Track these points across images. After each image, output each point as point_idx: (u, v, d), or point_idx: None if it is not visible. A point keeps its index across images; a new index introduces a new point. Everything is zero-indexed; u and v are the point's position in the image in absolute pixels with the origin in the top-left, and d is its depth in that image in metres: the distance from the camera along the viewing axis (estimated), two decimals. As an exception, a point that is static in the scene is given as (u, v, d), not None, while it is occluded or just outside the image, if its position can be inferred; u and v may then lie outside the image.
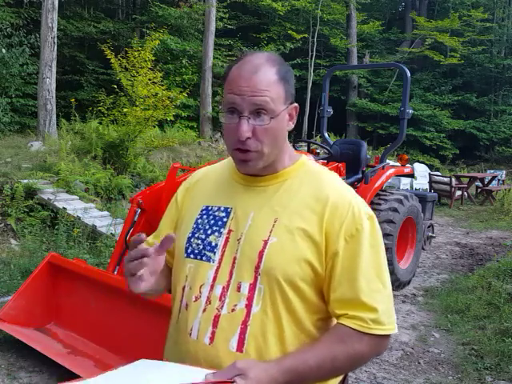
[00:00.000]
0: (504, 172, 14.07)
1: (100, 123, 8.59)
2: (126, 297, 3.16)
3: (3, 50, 10.12)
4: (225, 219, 1.20)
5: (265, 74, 1.11)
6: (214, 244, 1.18)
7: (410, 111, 5.40)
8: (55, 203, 6.10)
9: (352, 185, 5.33)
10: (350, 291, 1.11)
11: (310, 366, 1.06)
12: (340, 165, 4.76)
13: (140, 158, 8.59)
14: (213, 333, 1.11)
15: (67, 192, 6.60)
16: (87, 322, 3.44)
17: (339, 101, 18.26)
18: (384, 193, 5.31)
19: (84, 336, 3.43)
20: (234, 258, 1.15)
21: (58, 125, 9.18)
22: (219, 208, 1.22)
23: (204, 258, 1.18)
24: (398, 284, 5.27)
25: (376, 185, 5.15)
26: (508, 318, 4.31)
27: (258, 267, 1.11)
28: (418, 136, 17.64)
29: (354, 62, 18.75)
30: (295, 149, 5.93)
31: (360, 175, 5.38)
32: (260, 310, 1.10)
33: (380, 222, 4.93)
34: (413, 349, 3.97)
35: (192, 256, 1.20)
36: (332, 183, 1.20)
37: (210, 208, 1.24)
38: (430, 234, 6.23)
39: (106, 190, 7.28)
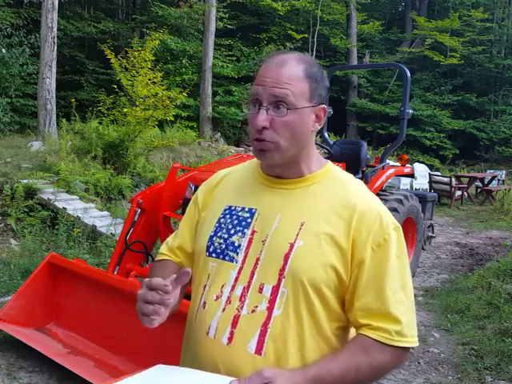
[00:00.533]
0: (504, 172, 14.07)
1: (100, 123, 8.59)
2: (126, 297, 3.16)
3: (3, 50, 10.12)
4: (249, 220, 1.19)
5: (290, 69, 1.12)
6: (237, 244, 1.17)
7: (410, 111, 5.39)
8: (55, 203, 6.10)
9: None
10: (376, 301, 1.10)
11: (334, 375, 1.05)
12: (340, 165, 4.75)
13: (140, 157, 8.59)
14: (231, 333, 1.10)
15: (67, 192, 6.60)
16: (87, 322, 3.44)
17: (339, 101, 18.26)
18: (384, 193, 5.31)
19: (84, 336, 3.43)
20: (257, 259, 1.14)
21: (58, 125, 9.18)
22: (243, 208, 1.21)
23: (227, 258, 1.17)
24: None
25: (376, 185, 5.15)
26: (508, 317, 4.31)
27: (282, 270, 1.10)
28: (417, 136, 17.64)
29: (354, 61, 18.76)
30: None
31: (360, 175, 5.37)
32: (282, 314, 1.09)
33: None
34: (413, 349, 3.97)
35: (214, 255, 1.19)
36: (359, 191, 1.19)
37: (233, 208, 1.23)
38: (430, 233, 6.23)
39: (105, 190, 7.28)
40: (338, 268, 1.10)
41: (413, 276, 5.63)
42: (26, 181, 6.32)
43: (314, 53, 16.74)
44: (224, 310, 1.13)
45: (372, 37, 20.64)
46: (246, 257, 1.15)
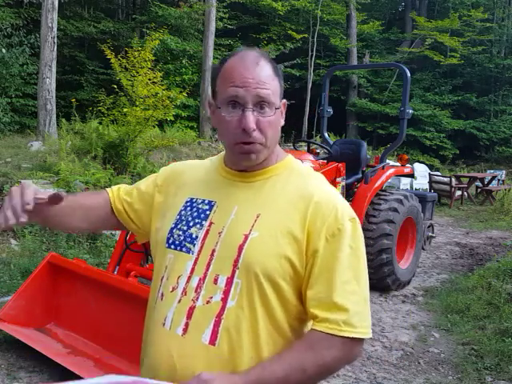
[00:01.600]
0: (504, 172, 14.06)
1: (100, 123, 8.59)
2: (126, 297, 3.16)
3: (3, 50, 10.12)
4: (207, 212, 1.20)
5: (264, 68, 1.12)
6: (194, 236, 1.18)
7: (410, 111, 5.40)
8: (55, 203, 6.09)
9: (352, 185, 5.34)
10: (326, 290, 1.10)
11: (277, 377, 1.04)
12: (340, 165, 4.76)
13: (140, 157, 8.59)
14: (186, 324, 1.11)
15: (67, 192, 6.60)
16: (87, 322, 3.44)
17: (339, 101, 18.26)
18: (384, 193, 5.31)
19: (84, 336, 3.43)
20: (213, 251, 1.14)
21: (58, 125, 9.19)
22: (203, 201, 1.23)
23: (184, 250, 1.18)
24: (397, 284, 5.28)
25: (376, 185, 5.15)
26: (508, 318, 4.31)
27: (236, 261, 1.11)
28: (418, 136, 17.64)
29: (354, 61, 18.76)
30: (295, 149, 5.95)
31: (360, 175, 5.38)
32: (235, 305, 1.10)
33: (380, 222, 4.97)
34: (413, 349, 3.97)
35: (173, 247, 1.20)
36: (317, 183, 1.22)
37: (194, 200, 1.24)
38: (430, 233, 6.23)
39: (105, 190, 7.27)
40: (293, 259, 1.10)
41: (413, 276, 5.63)
42: (26, 181, 6.32)
43: (314, 53, 16.75)
44: (180, 301, 1.13)
45: (372, 37, 20.64)
46: (201, 248, 1.16)
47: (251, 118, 1.10)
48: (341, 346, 1.09)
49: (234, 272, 1.11)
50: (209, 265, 1.14)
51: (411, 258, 5.56)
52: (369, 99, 18.83)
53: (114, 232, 5.77)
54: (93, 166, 7.46)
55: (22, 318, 3.51)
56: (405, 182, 11.26)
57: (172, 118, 11.32)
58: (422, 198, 5.92)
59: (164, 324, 1.14)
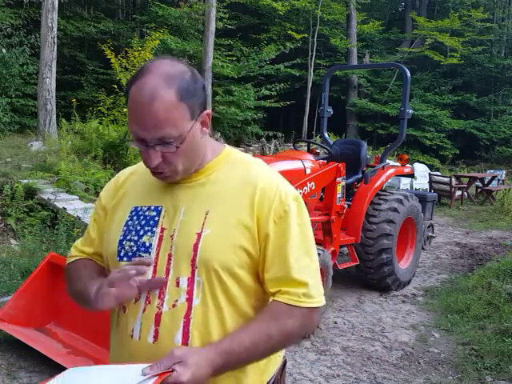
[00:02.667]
0: (504, 172, 14.06)
1: (100, 123, 8.59)
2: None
3: (3, 50, 10.13)
4: (156, 218, 1.19)
5: (163, 101, 1.06)
6: (148, 244, 1.17)
7: (410, 111, 5.39)
8: (55, 203, 6.10)
9: (352, 185, 5.34)
10: (282, 270, 1.15)
11: (246, 346, 1.08)
12: (340, 165, 4.76)
13: (140, 157, 8.58)
14: (156, 331, 1.12)
15: (67, 192, 6.59)
16: (87, 322, 3.43)
17: (339, 101, 18.26)
18: (384, 193, 5.31)
19: (84, 336, 3.43)
20: (169, 255, 1.15)
21: (58, 125, 9.18)
22: (149, 208, 1.22)
23: None
24: (398, 284, 5.28)
25: (376, 185, 5.15)
26: (508, 317, 4.31)
27: (194, 260, 1.12)
28: (418, 136, 17.64)
29: (354, 61, 18.76)
30: (295, 148, 5.94)
31: (360, 175, 5.38)
32: (200, 302, 1.12)
33: (380, 222, 4.97)
34: (413, 349, 3.97)
35: (126, 259, 1.19)
36: (259, 169, 1.23)
37: (139, 208, 1.23)
38: (430, 233, 6.23)
39: (106, 190, 7.27)
40: (248, 247, 1.14)
41: (413, 276, 5.63)
42: (25, 181, 6.32)
43: (314, 53, 16.75)
44: (144, 310, 1.14)
45: (372, 37, 20.65)
46: (158, 255, 1.16)
47: (153, 155, 1.11)
48: (301, 316, 1.15)
49: (193, 271, 1.12)
50: (168, 270, 1.14)
51: (411, 258, 5.56)
52: (369, 99, 18.83)
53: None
54: (93, 166, 7.46)
55: (22, 318, 3.51)
56: (405, 182, 11.26)
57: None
58: (422, 198, 5.92)
59: (132, 336, 1.15)
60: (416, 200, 5.52)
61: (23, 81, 11.61)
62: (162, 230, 1.18)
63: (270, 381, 1.25)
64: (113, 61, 8.20)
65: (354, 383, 3.39)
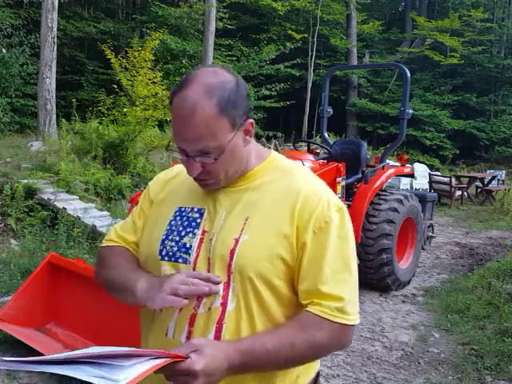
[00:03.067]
0: (504, 172, 14.06)
1: (100, 123, 8.59)
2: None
3: (3, 50, 10.12)
4: (198, 220, 1.20)
5: (203, 112, 1.07)
6: (188, 245, 1.18)
7: (410, 111, 5.39)
8: (55, 203, 6.10)
9: (352, 185, 5.34)
10: (316, 282, 1.12)
11: (268, 349, 1.05)
12: (340, 165, 4.76)
13: (140, 157, 8.59)
14: (189, 332, 1.13)
15: (67, 192, 6.59)
16: (87, 322, 3.44)
17: (339, 101, 18.26)
18: (384, 193, 5.31)
19: (84, 336, 3.43)
20: (209, 259, 1.15)
21: (58, 125, 9.18)
22: (192, 209, 1.23)
23: (180, 260, 1.18)
24: (398, 284, 5.28)
25: (376, 185, 5.15)
26: (508, 318, 4.31)
27: (230, 266, 1.12)
28: (418, 136, 17.65)
29: (354, 61, 18.76)
30: (295, 149, 5.94)
31: (360, 175, 5.38)
32: (234, 308, 1.12)
33: (380, 222, 4.97)
34: (413, 349, 3.97)
35: (166, 258, 1.20)
36: (303, 177, 1.22)
37: (183, 209, 1.24)
38: (430, 233, 6.23)
39: (105, 190, 7.28)
40: (285, 256, 1.12)
41: (413, 276, 5.63)
42: (25, 181, 6.32)
43: (314, 53, 16.75)
44: (181, 310, 1.15)
45: (372, 37, 20.65)
46: (197, 257, 1.16)
47: (193, 166, 1.13)
48: (331, 330, 1.10)
49: (229, 276, 1.12)
50: (207, 272, 1.14)
51: (411, 258, 5.56)
52: (369, 99, 18.83)
53: (113, 232, 5.76)
54: (93, 166, 7.46)
55: (21, 318, 3.51)
56: (405, 182, 11.26)
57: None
58: (421, 198, 5.92)
59: (167, 334, 1.16)
60: (416, 200, 5.52)
61: (23, 81, 11.61)
62: (204, 232, 1.18)
63: None
64: (113, 61, 8.19)
65: (354, 383, 3.39)
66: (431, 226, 6.25)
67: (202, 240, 1.17)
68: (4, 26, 10.70)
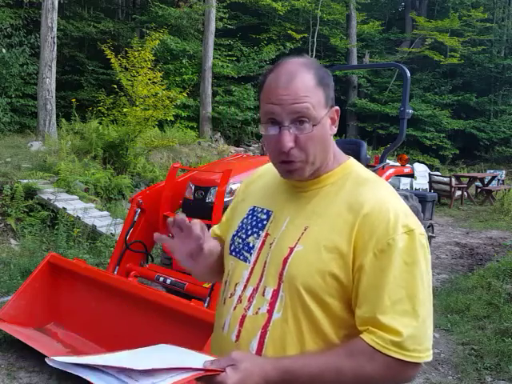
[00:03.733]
0: (504, 172, 14.06)
1: (100, 123, 8.59)
2: (126, 297, 3.17)
3: (3, 50, 10.13)
4: (265, 222, 1.20)
5: (302, 80, 1.07)
6: (251, 245, 1.19)
7: (410, 111, 5.39)
8: (55, 203, 6.10)
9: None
10: (372, 310, 1.03)
11: (310, 372, 1.00)
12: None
13: (140, 157, 8.59)
14: (239, 331, 1.13)
15: (67, 192, 6.60)
16: (87, 322, 3.44)
17: (339, 101, 18.25)
18: (384, 193, 5.30)
19: (84, 336, 3.43)
20: (265, 262, 1.15)
21: (58, 125, 9.19)
22: (262, 210, 1.23)
23: (241, 258, 1.20)
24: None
25: (376, 185, 5.15)
26: (508, 317, 4.31)
27: (281, 274, 1.10)
28: (418, 136, 17.64)
29: (354, 62, 18.76)
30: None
31: (360, 175, 5.37)
32: (281, 318, 1.09)
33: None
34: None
35: (233, 254, 1.23)
36: (372, 191, 1.11)
37: (255, 209, 1.25)
38: (430, 233, 6.22)
39: (105, 190, 7.28)
40: (339, 275, 1.05)
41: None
42: (25, 181, 6.32)
43: (314, 53, 16.73)
44: (235, 308, 1.16)
45: (372, 37, 20.65)
46: (257, 258, 1.17)
47: (287, 137, 1.07)
48: (384, 364, 1.01)
49: (279, 285, 1.10)
50: (261, 276, 1.14)
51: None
52: (369, 99, 18.83)
53: (113, 232, 5.77)
54: (93, 166, 7.46)
55: (21, 318, 3.51)
56: (405, 182, 11.25)
57: (172, 118, 11.32)
58: (422, 198, 5.91)
59: (223, 329, 1.18)
60: (416, 200, 5.52)
61: (23, 81, 11.61)
62: (267, 235, 1.18)
63: None
64: (113, 61, 8.19)
65: (354, 383, 3.39)
66: (431, 225, 6.24)
67: (263, 242, 1.17)
68: (4, 26, 10.70)
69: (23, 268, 4.85)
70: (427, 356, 1.04)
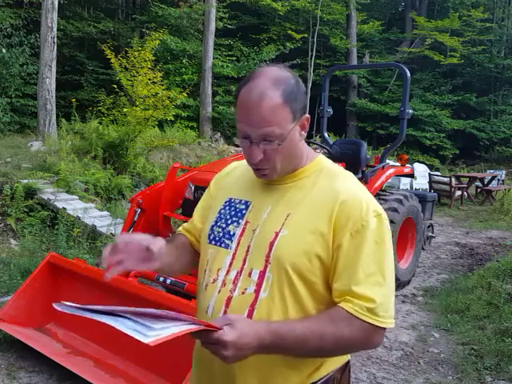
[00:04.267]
0: (504, 172, 14.06)
1: (100, 123, 8.59)
2: (126, 297, 3.16)
3: (3, 50, 10.13)
4: (244, 211, 1.32)
5: (270, 100, 1.16)
6: (232, 233, 1.30)
7: (410, 111, 5.39)
8: (55, 203, 6.10)
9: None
10: (349, 282, 1.16)
11: (297, 335, 1.11)
12: (340, 165, 4.75)
13: (140, 157, 8.59)
14: (225, 312, 1.22)
15: (67, 192, 6.59)
16: (87, 322, 3.42)
17: (339, 101, 18.26)
18: (384, 193, 5.31)
19: (84, 336, 3.43)
20: (248, 247, 1.25)
21: (57, 125, 9.18)
22: (240, 201, 1.35)
23: (223, 245, 1.30)
24: (397, 284, 5.28)
25: (376, 185, 5.15)
26: (508, 318, 4.32)
27: (268, 256, 1.21)
28: (417, 136, 17.64)
29: (354, 62, 18.76)
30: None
31: (360, 175, 5.37)
32: (267, 297, 1.19)
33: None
34: (413, 349, 3.97)
35: (213, 242, 1.33)
36: (345, 182, 1.28)
37: (232, 200, 1.36)
38: (430, 233, 6.23)
39: (105, 190, 7.28)
40: (322, 255, 1.18)
41: (413, 276, 5.63)
42: (25, 181, 6.32)
43: (314, 53, 16.74)
44: (219, 291, 1.25)
45: (372, 37, 20.64)
46: (238, 244, 1.27)
47: (256, 151, 1.21)
48: (361, 329, 1.15)
49: (266, 266, 1.21)
50: (245, 259, 1.25)
51: (411, 258, 5.56)
52: (369, 99, 18.83)
53: (113, 232, 5.77)
54: (93, 166, 7.46)
55: (21, 318, 3.51)
56: (405, 182, 11.25)
57: (172, 118, 11.33)
58: (422, 198, 5.92)
59: (207, 312, 1.27)
60: (416, 200, 5.52)
61: (23, 81, 11.61)
62: (246, 222, 1.29)
63: (325, 377, 1.27)
64: (113, 61, 8.19)
65: (354, 383, 3.39)
66: (431, 225, 6.25)
67: (244, 229, 1.29)
68: (4, 26, 10.69)
69: (23, 268, 4.84)
70: (391, 323, 1.19)
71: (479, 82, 20.76)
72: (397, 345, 4.03)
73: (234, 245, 1.28)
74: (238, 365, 1.13)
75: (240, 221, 1.30)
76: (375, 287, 1.16)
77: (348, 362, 1.34)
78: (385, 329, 1.19)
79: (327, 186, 1.26)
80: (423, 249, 5.99)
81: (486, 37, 19.49)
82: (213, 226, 1.35)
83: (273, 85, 1.17)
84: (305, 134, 1.27)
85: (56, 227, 5.63)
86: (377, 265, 1.18)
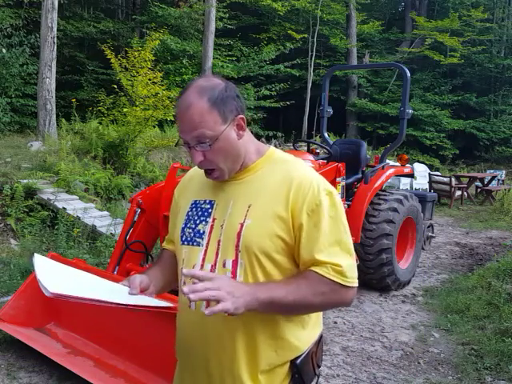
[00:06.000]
0: (504, 172, 14.05)
1: (100, 123, 8.59)
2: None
3: (3, 50, 10.13)
4: (210, 210, 1.43)
5: (195, 107, 1.30)
6: (202, 231, 1.41)
7: (410, 111, 5.39)
8: (55, 203, 6.10)
9: (352, 185, 5.34)
10: (313, 254, 1.31)
11: (278, 285, 1.29)
12: (340, 165, 4.76)
13: (140, 157, 8.59)
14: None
15: (67, 192, 6.60)
16: (87, 322, 3.44)
17: (339, 101, 18.25)
18: (384, 193, 5.31)
19: (84, 336, 3.43)
20: (219, 241, 1.37)
21: (57, 125, 9.18)
22: (205, 201, 1.46)
23: (195, 244, 1.41)
24: (397, 284, 5.28)
25: (376, 185, 5.15)
26: (508, 317, 4.31)
27: (237, 246, 1.34)
28: (417, 136, 17.63)
29: (354, 62, 18.75)
30: (295, 149, 5.93)
31: (360, 175, 5.38)
32: (243, 281, 1.33)
33: (380, 222, 4.97)
34: (413, 349, 3.97)
35: (186, 243, 1.44)
36: (296, 166, 1.41)
37: (197, 202, 1.48)
38: (430, 233, 6.23)
39: (105, 190, 7.28)
40: (283, 236, 1.32)
41: (413, 276, 5.63)
42: (25, 181, 6.32)
43: (314, 53, 16.74)
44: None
45: (372, 37, 20.63)
46: (209, 240, 1.39)
47: (196, 154, 1.35)
48: (332, 288, 1.30)
49: (237, 255, 1.34)
50: (217, 253, 1.37)
51: (411, 258, 5.56)
52: (369, 99, 18.82)
53: (113, 232, 5.77)
54: (93, 166, 7.46)
55: (21, 318, 3.51)
56: (405, 182, 11.26)
57: (172, 118, 11.30)
58: (421, 198, 5.92)
59: (190, 306, 1.38)
60: (416, 200, 5.52)
61: (23, 81, 11.60)
62: (214, 220, 1.41)
63: (306, 351, 1.41)
64: (113, 61, 8.19)
65: (354, 383, 3.39)
66: (431, 225, 6.25)
67: (212, 226, 1.40)
68: (4, 26, 10.69)
69: (23, 268, 4.85)
70: (357, 283, 1.35)
71: (479, 82, 20.76)
72: (397, 345, 4.03)
73: (204, 242, 1.39)
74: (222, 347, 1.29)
75: (208, 219, 1.41)
76: (337, 255, 1.31)
77: (321, 336, 1.50)
78: (353, 288, 1.33)
79: (281, 173, 1.38)
80: (423, 249, 5.99)
81: (486, 37, 19.49)
82: (183, 228, 1.46)
83: (198, 94, 1.30)
84: (243, 133, 1.37)
85: (56, 227, 5.63)
86: (335, 237, 1.33)
